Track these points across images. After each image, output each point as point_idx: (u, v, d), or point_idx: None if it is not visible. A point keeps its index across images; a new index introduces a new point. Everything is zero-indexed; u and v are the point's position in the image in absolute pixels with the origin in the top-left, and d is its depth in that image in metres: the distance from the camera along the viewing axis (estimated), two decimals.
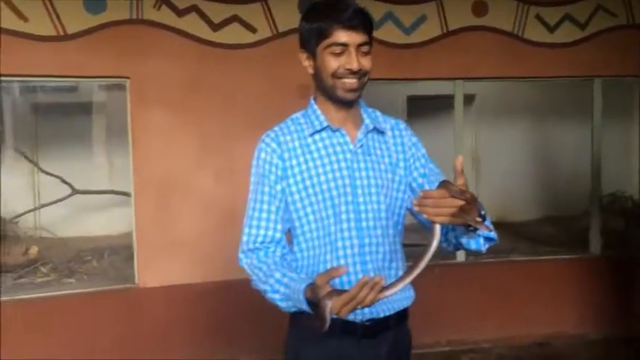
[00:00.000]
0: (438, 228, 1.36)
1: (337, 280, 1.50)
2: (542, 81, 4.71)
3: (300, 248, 1.64)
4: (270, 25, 3.96)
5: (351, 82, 1.57)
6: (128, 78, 3.78)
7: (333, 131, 1.64)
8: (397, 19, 4.12)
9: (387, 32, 4.05)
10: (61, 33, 3.60)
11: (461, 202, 1.31)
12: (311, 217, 1.61)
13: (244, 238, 1.65)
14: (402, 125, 1.76)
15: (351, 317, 1.52)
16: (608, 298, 4.40)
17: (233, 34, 3.91)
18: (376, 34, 2.16)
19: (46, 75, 3.76)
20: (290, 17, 3.91)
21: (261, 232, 1.63)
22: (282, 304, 1.54)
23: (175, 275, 3.88)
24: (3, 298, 3.78)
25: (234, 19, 3.91)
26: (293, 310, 1.54)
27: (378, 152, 1.68)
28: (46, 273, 4.60)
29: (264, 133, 1.67)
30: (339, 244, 1.59)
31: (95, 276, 4.68)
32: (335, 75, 1.56)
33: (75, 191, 5.37)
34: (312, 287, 1.39)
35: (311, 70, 1.64)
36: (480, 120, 6.78)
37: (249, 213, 1.66)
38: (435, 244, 1.36)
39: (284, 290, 1.51)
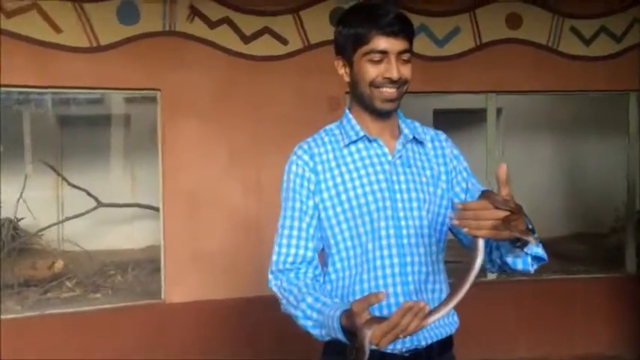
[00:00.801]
0: (481, 243, 1.24)
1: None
2: (577, 95, 4.62)
3: (334, 268, 1.53)
4: (302, 36, 3.92)
5: (390, 91, 1.48)
6: (159, 90, 3.75)
7: (370, 141, 1.54)
8: (430, 31, 4.06)
9: (419, 44, 3.98)
10: (95, 44, 3.59)
11: (505, 213, 1.20)
12: (346, 234, 1.50)
13: (274, 258, 1.53)
14: (443, 136, 1.67)
15: (389, 347, 1.40)
16: None
17: (264, 45, 3.88)
18: None
19: (78, 87, 3.73)
20: (322, 29, 3.88)
21: (292, 250, 1.51)
22: (315, 332, 1.41)
23: (202, 290, 3.80)
24: (29, 314, 3.74)
25: (266, 30, 3.88)
26: (327, 338, 1.41)
27: (419, 164, 1.57)
28: (71, 288, 4.55)
29: (294, 145, 1.58)
30: (378, 262, 1.48)
31: (120, 291, 4.63)
32: (373, 84, 1.47)
33: (100, 204, 5.33)
34: (349, 314, 1.27)
35: (347, 78, 1.54)
36: (507, 134, 6.68)
37: (279, 231, 1.54)
38: (479, 261, 1.24)
39: (317, 317, 1.38)
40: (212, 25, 3.79)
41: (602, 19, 4.21)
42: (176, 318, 3.79)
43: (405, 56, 1.48)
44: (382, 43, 1.45)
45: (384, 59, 1.46)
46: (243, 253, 3.85)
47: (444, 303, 1.26)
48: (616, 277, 4.47)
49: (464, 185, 1.63)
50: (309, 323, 1.41)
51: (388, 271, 1.48)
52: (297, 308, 1.43)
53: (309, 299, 1.42)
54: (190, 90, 3.77)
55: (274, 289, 1.53)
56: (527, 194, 6.68)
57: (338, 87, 3.80)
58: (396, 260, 1.48)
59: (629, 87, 4.31)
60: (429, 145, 1.62)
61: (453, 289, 1.27)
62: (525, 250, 1.35)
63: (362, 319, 1.22)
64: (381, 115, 1.54)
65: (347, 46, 1.50)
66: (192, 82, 3.77)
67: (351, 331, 1.26)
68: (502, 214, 1.20)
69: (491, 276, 4.27)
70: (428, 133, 1.64)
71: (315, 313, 1.40)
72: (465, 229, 1.22)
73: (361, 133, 1.54)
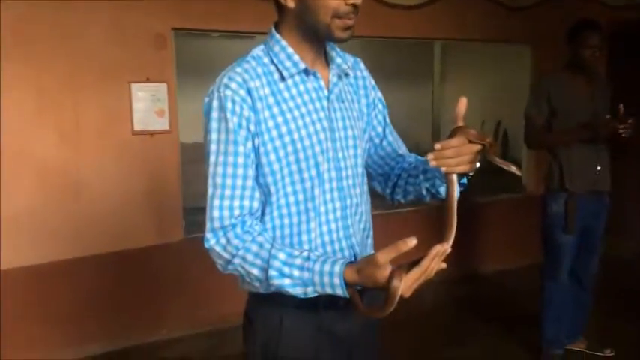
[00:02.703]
0: (455, 177, 1.27)
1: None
2: (388, 41, 4.83)
3: (272, 217, 1.37)
4: None
5: (352, 19, 1.32)
6: None
7: (307, 74, 1.38)
8: None
9: None
10: None
11: (479, 147, 1.24)
12: (287, 180, 1.35)
13: (215, 214, 1.31)
14: (362, 64, 1.58)
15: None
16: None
17: None
18: None
19: None
20: None
21: (236, 203, 1.31)
22: (295, 290, 1.27)
23: (12, 258, 3.29)
24: None
25: None
26: (312, 295, 1.28)
27: (348, 97, 1.48)
28: None
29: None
30: (322, 209, 1.38)
31: None
32: (337, 14, 1.29)
33: None
34: (360, 268, 1.20)
35: (292, 4, 1.32)
36: None
37: (217, 181, 1.32)
38: (457, 194, 1.28)
39: (298, 274, 1.25)
40: None
41: None
42: None
43: None
44: None
45: None
46: (58, 211, 3.42)
47: (446, 238, 1.23)
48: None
49: (380, 118, 1.59)
50: (287, 281, 1.26)
51: (331, 216, 1.40)
52: (269, 267, 1.26)
53: (282, 255, 1.27)
54: None
55: (217, 248, 1.31)
56: None
57: (163, 22, 3.42)
58: (338, 204, 1.41)
59: (435, 36, 4.64)
60: (351, 73, 1.52)
61: (445, 226, 1.25)
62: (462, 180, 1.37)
63: (386, 271, 1.17)
64: (322, 45, 1.40)
65: None
66: None
67: (366, 286, 1.22)
68: (477, 147, 1.24)
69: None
70: (349, 60, 1.51)
71: (295, 270, 1.26)
72: (444, 168, 1.23)
73: (301, 65, 1.36)
